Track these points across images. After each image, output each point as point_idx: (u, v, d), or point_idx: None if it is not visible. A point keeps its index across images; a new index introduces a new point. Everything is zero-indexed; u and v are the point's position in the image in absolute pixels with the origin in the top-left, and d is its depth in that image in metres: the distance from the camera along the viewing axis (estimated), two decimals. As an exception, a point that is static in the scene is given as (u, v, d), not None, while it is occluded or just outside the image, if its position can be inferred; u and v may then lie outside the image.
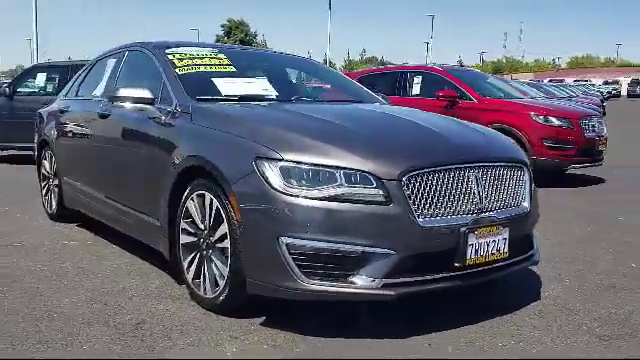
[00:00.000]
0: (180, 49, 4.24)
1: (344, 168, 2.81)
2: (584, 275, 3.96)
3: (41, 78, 10.25)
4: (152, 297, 3.48)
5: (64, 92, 5.70)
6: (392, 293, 2.78)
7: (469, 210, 2.96)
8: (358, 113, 3.88)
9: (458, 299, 3.40)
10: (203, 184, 3.21)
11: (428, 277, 2.87)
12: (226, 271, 3.05)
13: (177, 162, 3.39)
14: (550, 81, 38.52)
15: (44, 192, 5.70)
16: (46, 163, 5.63)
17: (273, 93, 4.05)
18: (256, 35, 71.47)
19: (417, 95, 9.22)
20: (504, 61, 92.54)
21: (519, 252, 3.25)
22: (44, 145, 5.65)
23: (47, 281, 3.76)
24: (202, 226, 3.25)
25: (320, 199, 2.77)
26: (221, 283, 3.10)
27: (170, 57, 4.09)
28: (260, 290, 2.92)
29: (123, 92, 3.79)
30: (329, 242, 2.76)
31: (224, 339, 2.88)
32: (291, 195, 2.79)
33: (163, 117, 3.68)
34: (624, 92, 56.77)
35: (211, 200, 3.14)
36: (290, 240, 2.77)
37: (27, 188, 6.91)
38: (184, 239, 3.40)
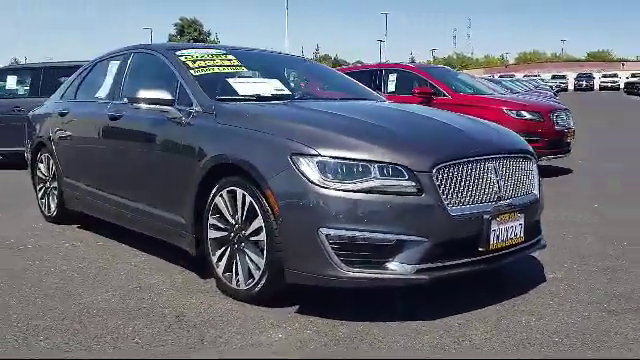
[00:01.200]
0: (191, 51, 4.34)
1: (378, 162, 2.99)
2: (580, 258, 4.24)
3: (12, 81, 10.09)
4: (182, 292, 3.59)
5: (58, 95, 5.70)
6: (426, 277, 2.99)
7: (490, 198, 3.19)
8: (376, 110, 4.07)
9: (475, 283, 3.62)
10: (234, 181, 3.35)
11: (456, 262, 3.08)
12: (262, 262, 3.20)
13: (204, 160, 3.51)
14: (500, 76, 39.61)
15: (40, 195, 5.70)
16: (42, 166, 5.63)
17: (286, 92, 4.20)
18: (209, 34, 70.99)
19: (392, 92, 9.45)
20: (454, 57, 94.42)
21: (531, 237, 3.50)
22: (40, 148, 5.65)
23: (71, 280, 3.83)
24: (232, 221, 3.39)
25: (356, 191, 2.96)
26: (256, 274, 3.25)
27: (183, 59, 4.19)
28: (300, 279, 3.08)
29: (143, 94, 3.87)
30: (366, 231, 2.94)
31: (267, 326, 3.03)
32: (329, 188, 2.96)
33: (183, 118, 3.79)
34: (571, 86, 58.69)
35: (243, 196, 3.28)
36: (329, 231, 2.95)
37: (14, 191, 6.87)
38: (212, 234, 3.52)
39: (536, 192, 3.53)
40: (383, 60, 62.65)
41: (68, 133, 5.16)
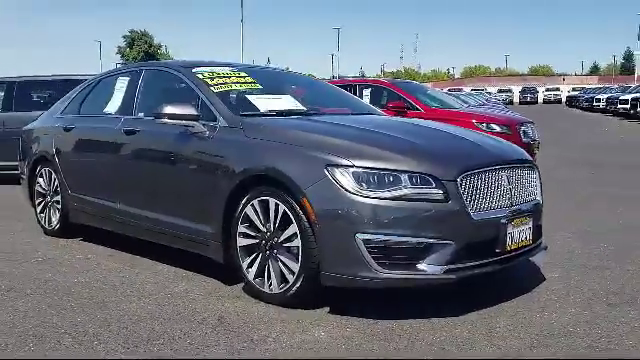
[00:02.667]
0: (206, 69, 4.55)
1: (408, 171, 3.28)
2: (568, 259, 4.62)
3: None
4: (213, 297, 3.78)
5: (58, 110, 5.76)
6: (453, 277, 3.28)
7: (505, 204, 3.51)
8: (392, 124, 4.37)
9: (484, 284, 3.93)
10: (266, 191, 3.58)
11: (478, 262, 3.39)
12: (296, 267, 3.44)
13: (235, 172, 3.73)
14: (449, 90, 40.72)
15: (39, 209, 5.76)
16: (41, 180, 5.69)
17: (300, 108, 4.46)
18: (160, 46, 70.37)
19: (367, 106, 9.81)
20: (402, 72, 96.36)
21: (536, 239, 3.84)
22: (40, 162, 5.71)
23: (101, 290, 3.96)
24: (263, 229, 3.62)
25: (389, 199, 3.23)
26: (290, 278, 3.48)
27: (201, 77, 4.40)
28: (336, 282, 3.33)
29: (169, 109, 4.05)
30: (398, 236, 3.22)
31: (308, 326, 3.27)
32: (364, 196, 3.23)
33: (208, 132, 4.00)
34: (516, 99, 60.74)
35: (276, 205, 3.52)
36: (365, 236, 3.21)
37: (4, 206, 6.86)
38: (242, 242, 3.74)
39: (539, 198, 3.88)
40: (335, 74, 63.45)
41: (75, 148, 5.26)
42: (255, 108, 4.22)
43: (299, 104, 4.48)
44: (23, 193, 6.21)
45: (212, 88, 4.27)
